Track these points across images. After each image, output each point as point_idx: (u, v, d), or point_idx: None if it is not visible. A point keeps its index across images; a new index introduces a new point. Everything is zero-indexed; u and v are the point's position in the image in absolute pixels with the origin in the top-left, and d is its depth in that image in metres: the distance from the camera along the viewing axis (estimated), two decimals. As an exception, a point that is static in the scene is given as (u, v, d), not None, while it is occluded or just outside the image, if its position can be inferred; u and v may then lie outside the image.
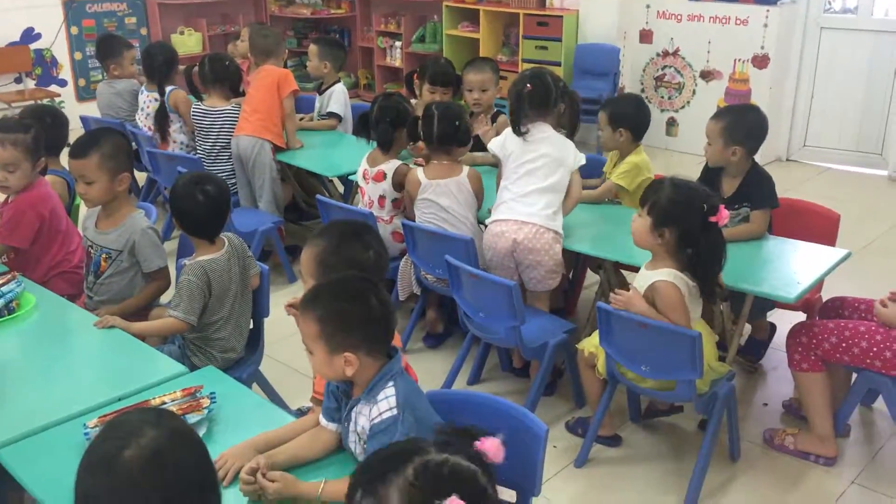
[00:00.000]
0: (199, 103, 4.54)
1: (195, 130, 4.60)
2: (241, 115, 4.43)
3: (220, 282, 2.76)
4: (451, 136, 3.50)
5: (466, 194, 3.48)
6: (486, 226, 3.38)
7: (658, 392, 2.76)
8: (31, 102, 6.81)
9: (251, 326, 3.01)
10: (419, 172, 3.54)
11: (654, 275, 2.61)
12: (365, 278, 1.99)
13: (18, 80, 6.94)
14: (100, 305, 3.04)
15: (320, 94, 4.99)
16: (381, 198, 3.75)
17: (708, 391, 2.69)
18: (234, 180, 4.50)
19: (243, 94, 4.58)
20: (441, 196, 3.47)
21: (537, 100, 3.29)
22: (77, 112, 6.36)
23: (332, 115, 4.88)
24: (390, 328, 1.98)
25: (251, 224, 4.19)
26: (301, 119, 4.86)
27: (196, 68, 4.62)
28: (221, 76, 4.47)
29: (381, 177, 3.73)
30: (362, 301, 1.90)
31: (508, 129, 3.38)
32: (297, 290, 4.23)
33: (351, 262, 2.18)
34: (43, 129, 3.56)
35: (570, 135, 3.39)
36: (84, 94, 7.27)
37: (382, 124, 3.70)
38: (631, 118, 3.58)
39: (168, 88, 4.76)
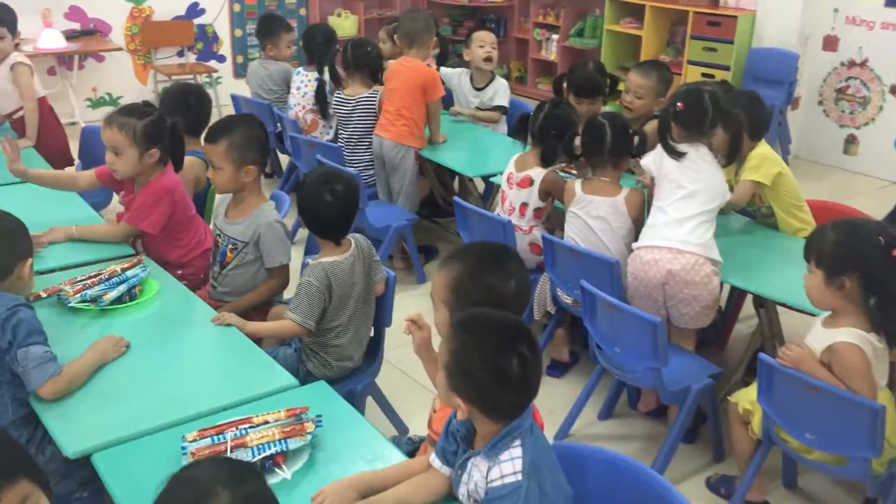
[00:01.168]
0: (340, 91, 4.41)
1: (336, 119, 4.48)
2: (383, 114, 4.26)
3: (341, 286, 2.59)
4: (625, 148, 3.20)
5: (620, 218, 3.16)
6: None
7: (824, 465, 2.37)
8: (191, 77, 6.99)
9: (371, 335, 2.84)
10: (577, 184, 3.26)
11: (834, 335, 2.24)
12: (518, 331, 1.67)
13: (181, 54, 7.11)
14: (223, 296, 2.95)
15: (478, 89, 4.75)
16: (523, 205, 3.49)
17: (885, 472, 2.29)
18: (372, 171, 4.36)
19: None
20: (592, 215, 3.18)
21: (689, 122, 2.98)
22: (232, 89, 6.46)
23: (498, 108, 4.68)
24: (526, 396, 1.69)
25: (385, 219, 4.04)
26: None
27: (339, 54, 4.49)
28: (363, 63, 4.32)
29: (526, 182, 3.47)
30: (499, 363, 1.62)
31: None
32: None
33: (489, 292, 1.92)
34: (186, 107, 3.53)
35: (727, 162, 3.03)
36: (241, 72, 7.36)
37: (548, 137, 3.43)
38: (747, 117, 3.18)
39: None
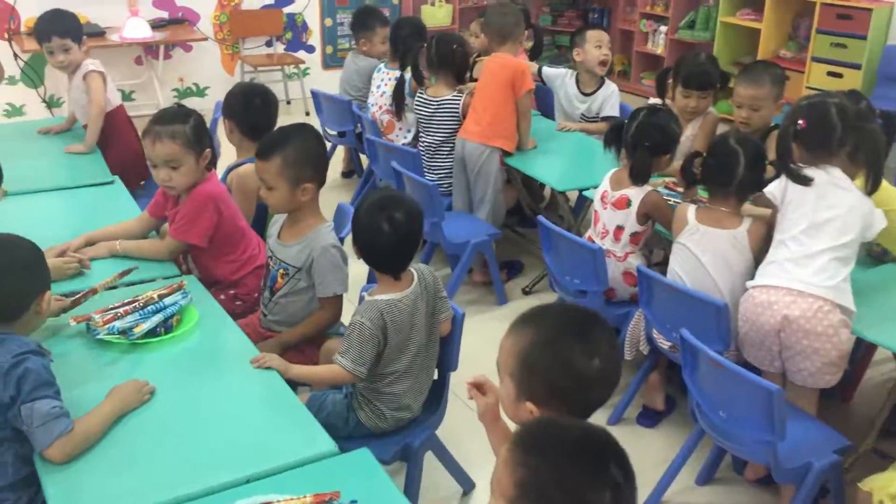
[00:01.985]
0: (422, 92, 4.06)
1: (417, 122, 4.13)
2: (469, 114, 3.89)
3: (399, 328, 2.25)
4: (758, 181, 2.73)
5: (740, 253, 2.70)
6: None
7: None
8: (278, 68, 6.78)
9: (434, 378, 2.49)
10: (690, 211, 2.81)
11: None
12: (607, 451, 1.26)
13: (269, 44, 6.91)
14: (272, 325, 2.67)
15: (585, 94, 4.29)
16: (619, 229, 3.06)
17: None
18: (451, 180, 4.00)
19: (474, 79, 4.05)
20: (705, 249, 2.73)
21: (813, 141, 2.51)
22: (321, 80, 6.21)
23: (607, 119, 4.12)
24: None
25: (463, 234, 3.67)
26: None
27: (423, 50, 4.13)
28: (447, 61, 3.94)
29: (623, 203, 3.05)
30: (587, 498, 1.22)
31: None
32: (506, 314, 3.69)
33: (566, 370, 1.54)
34: (251, 109, 3.26)
35: (869, 191, 2.52)
36: (330, 63, 7.12)
37: (640, 149, 2.99)
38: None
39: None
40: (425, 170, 4.11)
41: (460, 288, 3.94)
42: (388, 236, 2.22)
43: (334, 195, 5.02)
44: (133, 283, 2.57)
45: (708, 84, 3.52)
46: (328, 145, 5.07)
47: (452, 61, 3.95)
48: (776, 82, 3.33)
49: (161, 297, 2.37)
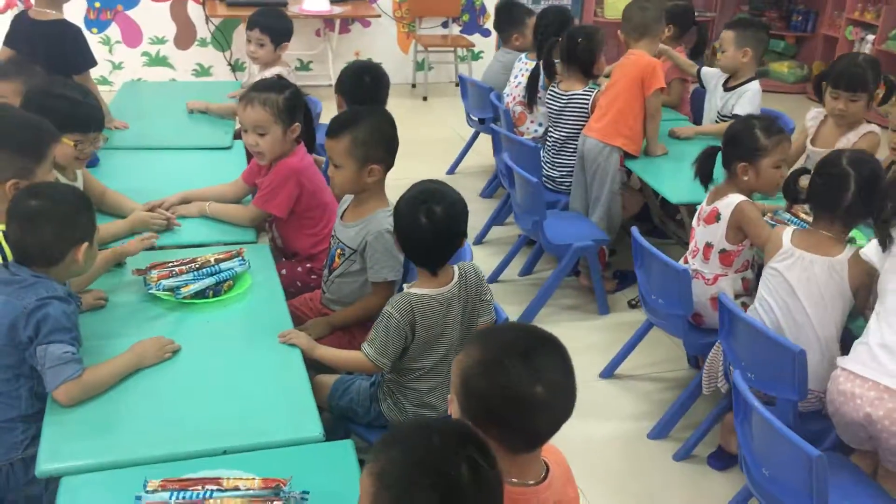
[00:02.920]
0: (555, 85, 3.92)
1: (548, 115, 4.00)
2: (596, 110, 3.72)
3: (428, 324, 2.18)
4: (869, 207, 2.39)
5: (837, 284, 2.41)
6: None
7: None
8: (451, 49, 6.82)
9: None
10: (787, 232, 2.54)
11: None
12: (470, 436, 1.26)
13: (445, 25, 6.97)
14: (330, 304, 2.69)
15: (727, 89, 4.00)
16: (708, 247, 2.82)
17: None
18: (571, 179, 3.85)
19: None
20: (799, 277, 2.45)
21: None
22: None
23: (735, 117, 3.87)
24: None
25: (566, 236, 3.52)
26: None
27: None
28: (572, 56, 3.77)
29: (713, 217, 2.80)
30: (441, 476, 1.19)
31: None
32: (604, 325, 3.52)
33: (505, 393, 1.43)
34: (361, 87, 3.29)
35: None
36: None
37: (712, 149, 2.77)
38: None
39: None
40: (549, 166, 3.99)
41: (564, 291, 3.81)
42: (426, 230, 2.14)
43: (472, 181, 5.01)
44: (205, 245, 2.68)
45: (858, 85, 3.15)
46: (471, 131, 5.08)
47: (577, 56, 3.78)
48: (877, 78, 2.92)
49: (218, 261, 2.45)
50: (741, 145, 2.75)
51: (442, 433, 1.26)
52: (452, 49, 6.85)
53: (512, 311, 3.62)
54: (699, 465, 2.79)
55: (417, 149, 5.67)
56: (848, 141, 3.24)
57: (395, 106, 6.58)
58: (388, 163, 2.56)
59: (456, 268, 2.26)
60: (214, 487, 1.64)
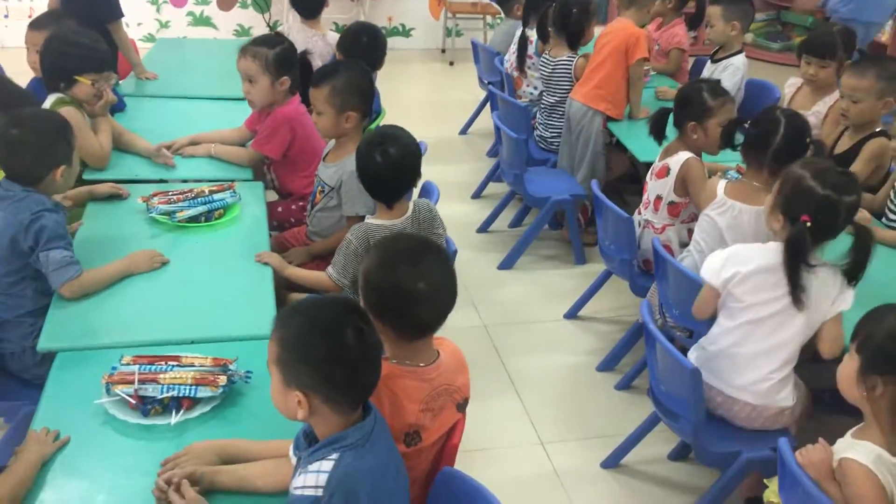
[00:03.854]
0: (547, 52, 4.18)
1: (542, 80, 4.27)
2: (582, 75, 3.97)
3: (381, 250, 2.51)
4: (795, 154, 2.59)
5: (762, 231, 2.61)
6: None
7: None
8: (480, 16, 7.08)
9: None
10: (721, 184, 2.80)
11: (852, 447, 1.71)
12: (354, 307, 1.59)
13: (474, -8, 7.23)
14: (312, 236, 3.03)
15: (714, 61, 4.23)
16: (658, 199, 3.08)
17: None
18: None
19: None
20: (728, 224, 2.70)
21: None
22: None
23: None
24: (364, 380, 1.57)
25: (545, 190, 3.81)
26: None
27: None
28: (563, 24, 4.02)
29: (664, 172, 3.06)
30: (332, 335, 1.52)
31: None
32: (579, 273, 3.81)
33: (393, 288, 1.76)
34: (359, 47, 3.60)
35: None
36: (533, 16, 7.30)
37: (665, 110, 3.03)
38: None
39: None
40: (542, 127, 4.27)
41: (547, 243, 4.11)
42: (380, 167, 2.46)
43: (481, 141, 5.30)
44: (203, 180, 3.04)
45: (827, 52, 3.40)
46: (483, 94, 5.36)
47: (566, 25, 4.03)
48: (883, 77, 3.10)
49: (211, 192, 2.83)
50: (691, 106, 2.99)
51: (332, 305, 1.61)
52: (482, 16, 7.10)
53: (496, 258, 3.94)
54: (636, 394, 3.08)
55: (439, 110, 6.00)
56: (824, 104, 3.48)
57: (424, 70, 6.99)
58: (364, 111, 2.87)
59: (411, 203, 2.58)
60: (175, 363, 2.01)
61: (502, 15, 5.87)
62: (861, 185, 3.07)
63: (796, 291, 2.22)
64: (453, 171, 4.87)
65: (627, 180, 4.36)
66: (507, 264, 3.88)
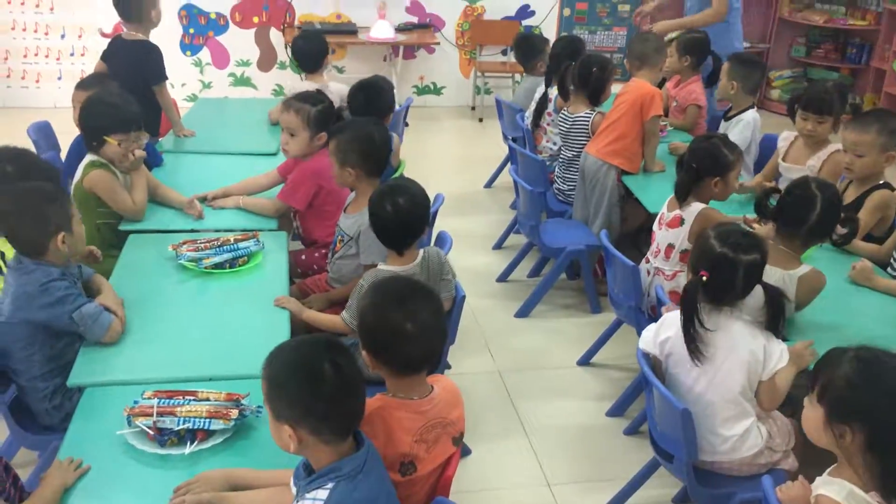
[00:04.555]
0: (566, 108, 4.35)
1: (560, 136, 4.43)
2: (598, 131, 4.12)
3: (391, 296, 2.66)
4: (828, 230, 2.74)
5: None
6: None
7: None
8: (509, 75, 7.30)
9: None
10: None
11: (828, 484, 1.78)
12: (333, 344, 1.73)
13: (504, 52, 7.45)
14: (332, 282, 3.19)
15: (726, 119, 4.36)
16: (669, 247, 3.18)
17: None
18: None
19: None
20: None
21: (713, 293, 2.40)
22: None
23: None
24: (345, 411, 1.70)
25: (561, 240, 3.93)
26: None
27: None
28: (585, 82, 4.18)
29: (676, 222, 3.16)
30: (310, 371, 1.67)
31: None
32: (594, 322, 3.91)
33: (387, 331, 1.91)
34: (360, 102, 3.77)
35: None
36: (561, 74, 7.51)
37: (687, 168, 3.10)
38: None
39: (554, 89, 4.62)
40: (560, 180, 4.41)
41: (564, 293, 4.22)
42: (390, 216, 2.63)
43: (505, 194, 5.46)
44: (232, 230, 3.23)
45: (825, 109, 3.50)
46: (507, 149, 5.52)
47: (588, 83, 4.19)
48: (885, 131, 3.20)
49: (237, 240, 3.01)
50: (714, 162, 3.07)
51: (310, 343, 1.77)
52: (510, 75, 7.32)
53: (514, 307, 4.05)
54: (644, 439, 3.12)
55: (466, 164, 6.19)
56: (818, 159, 3.57)
57: (454, 126, 7.22)
58: (365, 168, 3.01)
59: (421, 251, 2.73)
60: (192, 397, 2.16)
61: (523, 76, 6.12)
62: (866, 235, 3.20)
63: (690, 343, 2.35)
64: (477, 223, 5.03)
65: (644, 231, 4.45)
66: (523, 312, 3.99)
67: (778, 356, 2.36)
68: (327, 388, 1.66)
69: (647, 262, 3.29)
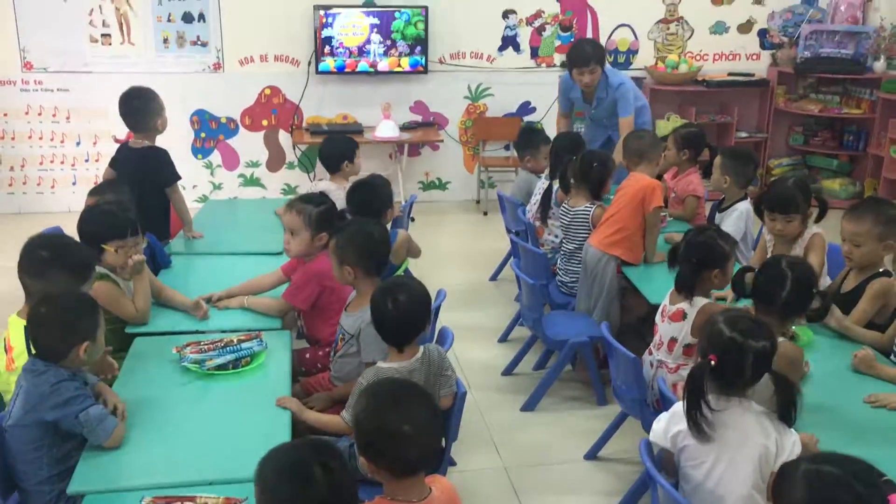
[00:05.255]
0: (566, 202, 4.43)
1: (561, 229, 4.50)
2: (599, 223, 4.19)
3: (393, 394, 2.66)
4: (802, 306, 2.83)
5: None
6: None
7: None
8: (513, 169, 7.44)
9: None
10: None
11: None
12: (323, 446, 1.74)
13: (507, 148, 7.61)
14: (335, 380, 3.20)
15: (720, 211, 4.42)
16: (672, 340, 3.18)
17: None
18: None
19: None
20: None
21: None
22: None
23: None
24: None
25: (565, 332, 3.94)
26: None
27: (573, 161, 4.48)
28: (586, 176, 4.28)
29: (679, 316, 3.18)
30: (299, 475, 1.68)
31: None
32: (599, 415, 3.88)
33: (381, 431, 1.93)
34: (351, 203, 3.87)
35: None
36: (564, 167, 7.65)
37: (687, 262, 3.14)
38: None
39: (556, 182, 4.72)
40: (563, 272, 4.46)
41: (569, 385, 4.20)
42: (390, 313, 2.67)
43: (510, 286, 5.50)
44: (236, 330, 3.26)
45: (790, 207, 3.55)
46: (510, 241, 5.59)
47: (590, 177, 4.29)
48: (881, 221, 3.25)
49: (240, 341, 3.04)
50: (714, 256, 3.12)
51: (302, 447, 1.79)
52: (514, 168, 7.45)
53: (520, 400, 4.04)
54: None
55: (471, 257, 6.26)
56: (800, 248, 3.62)
57: (460, 220, 7.32)
58: (362, 267, 3.07)
59: (422, 347, 2.76)
60: (189, 503, 2.15)
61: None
62: (867, 323, 3.21)
63: (694, 424, 2.34)
64: (483, 316, 5.06)
65: (649, 321, 4.46)
66: (529, 406, 3.97)
67: (790, 448, 2.34)
68: (319, 492, 1.66)
69: (651, 353, 3.29)
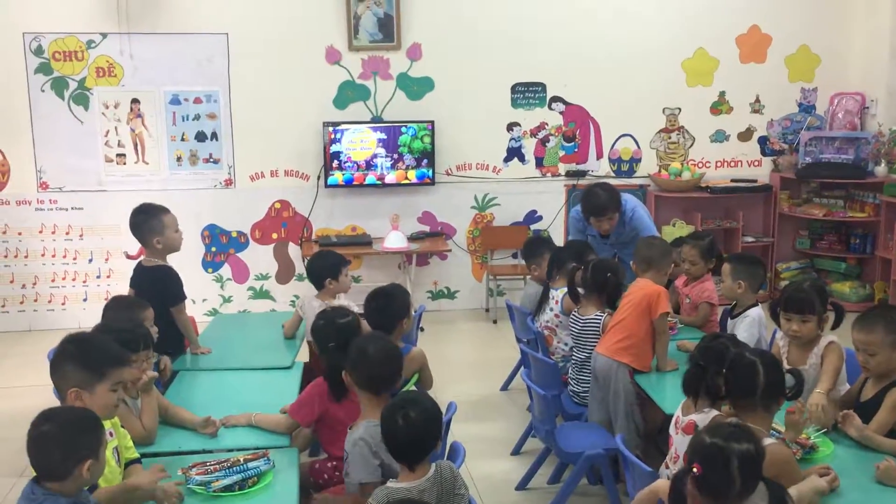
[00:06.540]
0: (577, 310, 4.42)
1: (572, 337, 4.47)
2: (607, 329, 4.17)
3: (404, 514, 2.59)
4: (779, 390, 2.85)
5: None
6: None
7: None
8: (520, 277, 7.46)
9: (452, 570, 2.74)
10: None
11: None
12: None
13: (514, 256, 7.66)
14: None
15: (732, 317, 4.39)
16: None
17: None
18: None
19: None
20: None
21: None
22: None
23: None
24: None
25: (579, 444, 3.85)
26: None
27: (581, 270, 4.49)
28: (598, 286, 4.28)
29: (690, 429, 3.10)
30: None
31: None
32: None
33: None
34: (367, 313, 3.85)
35: None
36: (572, 274, 7.67)
37: (696, 368, 3.11)
38: None
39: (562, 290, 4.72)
40: (574, 382, 4.40)
41: (586, 500, 4.08)
42: (402, 430, 2.62)
43: (522, 396, 5.42)
44: (243, 449, 3.20)
45: (806, 308, 3.53)
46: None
47: (604, 287, 4.29)
48: (892, 329, 3.23)
49: (246, 460, 2.98)
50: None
51: None
52: (522, 277, 7.48)
53: (534, 518, 3.91)
54: None
55: (481, 367, 6.20)
56: (815, 356, 3.56)
57: (469, 329, 7.29)
58: (372, 388, 3.05)
59: (433, 465, 2.69)
60: None
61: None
62: (888, 432, 3.13)
63: None
64: (493, 428, 4.97)
65: (664, 432, 4.37)
66: (544, 524, 3.85)
67: None
68: None
69: (667, 467, 3.20)
